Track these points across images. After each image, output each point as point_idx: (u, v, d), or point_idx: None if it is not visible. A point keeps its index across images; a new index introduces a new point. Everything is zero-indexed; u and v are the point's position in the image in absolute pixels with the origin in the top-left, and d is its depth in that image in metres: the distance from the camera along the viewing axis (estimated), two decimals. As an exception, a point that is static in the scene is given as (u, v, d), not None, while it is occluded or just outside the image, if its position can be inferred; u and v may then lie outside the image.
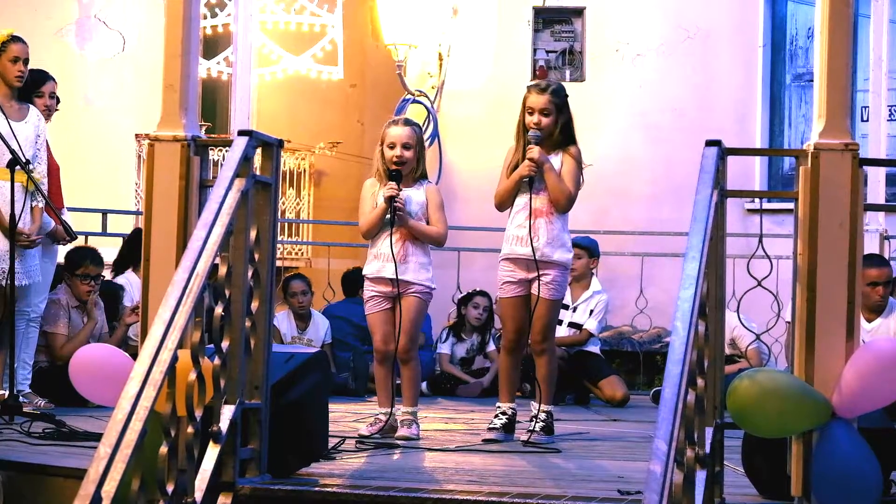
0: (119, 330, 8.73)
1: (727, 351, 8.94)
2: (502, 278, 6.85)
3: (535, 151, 6.71)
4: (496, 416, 6.83)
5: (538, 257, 6.70)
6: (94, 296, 8.61)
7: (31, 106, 7.79)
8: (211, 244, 4.55)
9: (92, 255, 8.64)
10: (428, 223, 6.87)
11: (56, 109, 8.27)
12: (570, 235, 6.91)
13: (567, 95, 6.87)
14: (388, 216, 6.76)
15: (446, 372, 10.37)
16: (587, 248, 9.95)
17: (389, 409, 6.79)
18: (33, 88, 7.97)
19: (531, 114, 6.76)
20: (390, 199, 6.74)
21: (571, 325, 9.88)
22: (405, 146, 6.82)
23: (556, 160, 6.77)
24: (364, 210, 6.91)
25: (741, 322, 9.37)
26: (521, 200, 6.77)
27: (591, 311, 9.88)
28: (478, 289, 10.54)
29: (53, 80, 8.21)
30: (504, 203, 6.86)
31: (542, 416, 6.77)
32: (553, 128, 6.76)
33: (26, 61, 7.69)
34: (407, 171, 6.84)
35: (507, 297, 6.85)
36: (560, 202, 6.73)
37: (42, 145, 7.71)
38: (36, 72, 8.09)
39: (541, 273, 6.72)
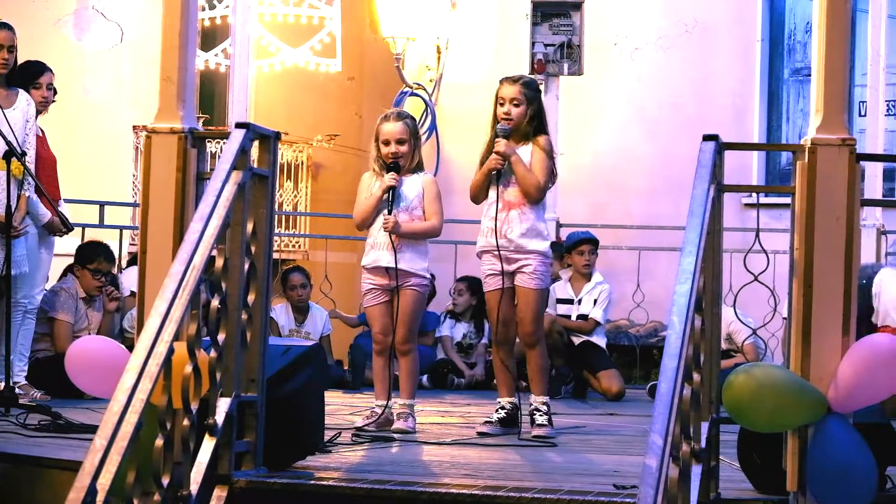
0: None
1: (723, 346, 8.93)
2: (484, 272, 6.86)
3: (501, 144, 6.72)
4: (496, 410, 6.84)
5: (514, 248, 6.71)
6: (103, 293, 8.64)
7: (20, 91, 7.71)
8: (207, 237, 4.55)
9: (105, 252, 8.64)
10: (424, 213, 6.88)
11: (53, 101, 8.25)
12: (546, 225, 6.93)
13: (539, 90, 6.91)
14: (387, 204, 6.75)
15: (448, 357, 10.40)
16: (596, 242, 9.98)
17: (385, 402, 6.79)
18: (30, 80, 7.94)
19: (502, 104, 6.77)
20: (390, 189, 6.73)
21: (580, 317, 9.91)
22: (399, 141, 6.82)
23: (525, 151, 6.77)
24: (359, 202, 6.91)
25: (737, 317, 9.35)
26: (494, 193, 6.77)
27: (595, 301, 9.90)
28: (458, 276, 10.64)
29: (51, 71, 8.19)
30: (477, 196, 6.89)
31: (544, 408, 6.77)
32: (522, 118, 6.76)
33: (11, 48, 7.61)
34: (404, 163, 6.85)
35: (491, 291, 6.85)
36: (530, 193, 6.73)
37: (31, 130, 7.65)
38: (33, 63, 8.07)
39: (522, 264, 6.73)
